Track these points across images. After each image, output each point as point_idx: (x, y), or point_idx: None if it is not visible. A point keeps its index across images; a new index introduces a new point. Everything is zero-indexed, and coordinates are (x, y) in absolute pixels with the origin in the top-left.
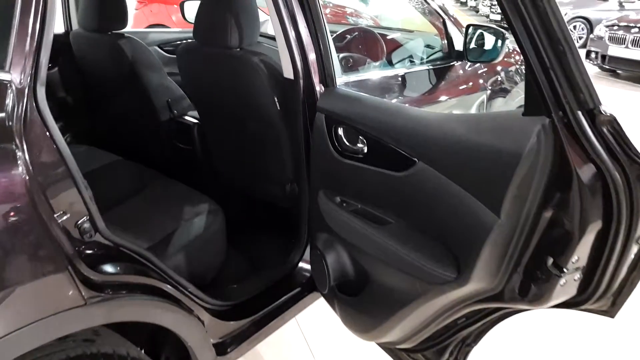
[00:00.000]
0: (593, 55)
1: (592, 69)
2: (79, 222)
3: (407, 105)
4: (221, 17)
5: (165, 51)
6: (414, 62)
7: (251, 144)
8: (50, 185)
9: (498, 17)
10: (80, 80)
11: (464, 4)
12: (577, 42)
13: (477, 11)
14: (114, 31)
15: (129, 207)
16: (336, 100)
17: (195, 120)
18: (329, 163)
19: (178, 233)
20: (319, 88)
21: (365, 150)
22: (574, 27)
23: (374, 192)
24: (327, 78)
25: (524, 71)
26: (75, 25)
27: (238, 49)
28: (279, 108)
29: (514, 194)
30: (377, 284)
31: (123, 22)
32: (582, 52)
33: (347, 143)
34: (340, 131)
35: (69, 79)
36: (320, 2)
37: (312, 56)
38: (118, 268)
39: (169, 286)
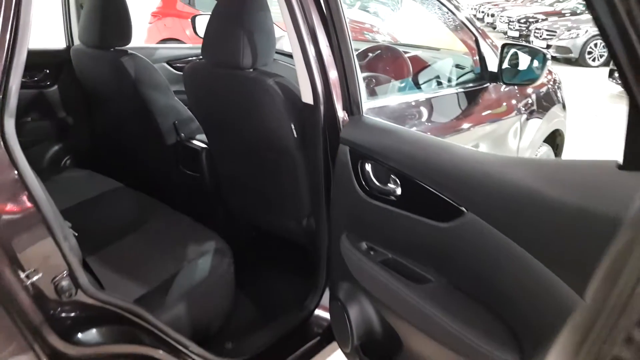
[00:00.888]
0: None
1: None
2: (56, 279)
3: (450, 141)
4: (232, 34)
5: (175, 68)
6: (442, 84)
7: (264, 173)
8: (18, 237)
9: (516, 34)
10: (82, 99)
11: (481, 19)
12: None
13: (494, 28)
14: (116, 47)
15: (127, 245)
16: (363, 130)
17: (204, 145)
18: (353, 203)
19: (180, 277)
20: (342, 115)
21: (399, 192)
22: None
23: (408, 242)
24: (351, 104)
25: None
26: (77, 41)
27: (251, 70)
28: (296, 136)
29: (607, 271)
30: (410, 354)
31: (126, 38)
32: None
33: (376, 182)
34: (368, 167)
35: (69, 98)
36: (346, 16)
37: (334, 78)
38: (101, 335)
39: (164, 352)
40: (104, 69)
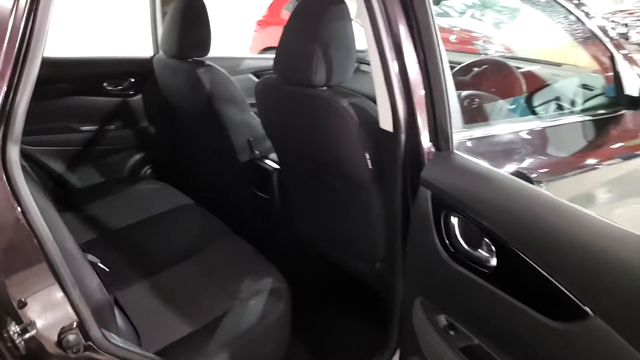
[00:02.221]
0: None
1: None
2: (62, 332)
3: (578, 206)
4: (305, 47)
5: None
6: (563, 108)
7: (335, 204)
8: (14, 283)
9: None
10: (163, 109)
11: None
12: None
13: (627, 39)
14: (195, 58)
15: (179, 273)
16: (451, 172)
17: (276, 166)
18: (433, 263)
19: (228, 318)
20: (427, 147)
21: (493, 263)
22: None
23: (503, 330)
24: (439, 135)
25: None
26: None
27: (324, 88)
28: (371, 167)
29: None
30: None
31: (204, 48)
32: None
33: (464, 244)
34: (454, 221)
35: (152, 108)
36: (437, 26)
37: (420, 102)
38: None
39: None
40: (181, 80)
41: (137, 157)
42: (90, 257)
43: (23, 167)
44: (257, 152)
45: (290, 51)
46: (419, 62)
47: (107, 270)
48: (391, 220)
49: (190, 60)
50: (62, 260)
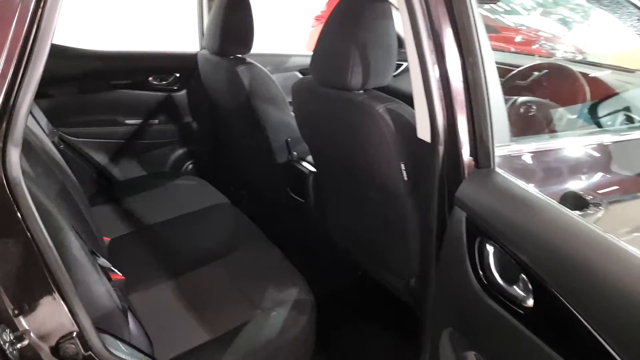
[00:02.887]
0: None
1: None
2: (60, 341)
3: None
4: (341, 47)
5: None
6: (633, 120)
7: (370, 215)
8: (10, 289)
9: None
10: (207, 105)
11: None
12: None
13: None
14: (237, 55)
15: (205, 275)
16: (489, 194)
17: (313, 169)
18: (464, 293)
19: (248, 328)
20: (467, 162)
21: (530, 304)
22: None
23: None
24: (479, 149)
25: None
26: None
27: (360, 92)
28: (406, 179)
29: None
30: None
31: (246, 45)
32: None
33: (498, 278)
34: (490, 250)
35: (196, 103)
36: (482, 27)
37: (462, 110)
38: None
39: None
40: (221, 77)
41: (180, 152)
42: (102, 261)
43: (64, 156)
44: (294, 153)
45: (326, 51)
46: (463, 66)
47: (121, 276)
48: (426, 237)
49: (231, 57)
50: (62, 267)
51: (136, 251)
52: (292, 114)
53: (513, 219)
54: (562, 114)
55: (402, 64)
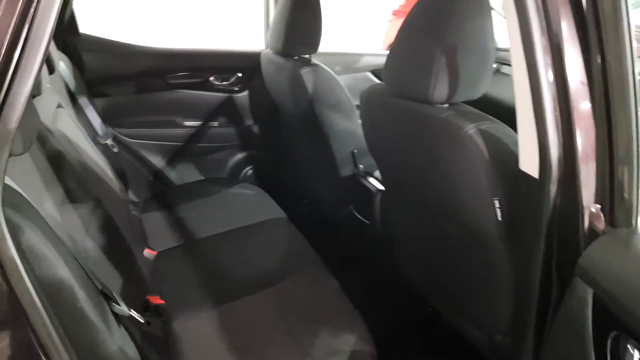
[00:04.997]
0: None
1: None
2: None
3: None
4: (424, 52)
5: (381, 79)
6: None
7: (448, 254)
8: None
9: None
10: (269, 108)
11: None
12: None
13: None
14: (301, 55)
15: (250, 308)
16: (635, 269)
17: (381, 187)
18: None
19: None
20: (593, 212)
21: None
22: None
23: None
24: (615, 200)
25: None
26: None
27: (445, 106)
28: (500, 219)
29: None
30: None
31: (312, 45)
32: None
33: None
34: (635, 357)
35: (258, 106)
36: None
37: (587, 139)
38: None
39: None
40: (283, 79)
41: (239, 156)
42: (119, 309)
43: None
44: (361, 166)
45: (404, 56)
46: (590, 78)
47: (142, 321)
48: (523, 292)
49: (295, 57)
50: (52, 331)
51: (182, 269)
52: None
53: None
54: None
55: (494, 67)
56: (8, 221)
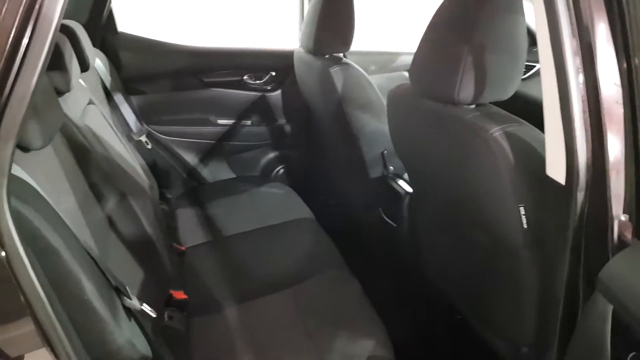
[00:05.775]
0: None
1: None
2: None
3: None
4: (450, 51)
5: None
6: None
7: (473, 261)
8: None
9: None
10: (302, 107)
11: None
12: None
13: None
14: (333, 54)
15: (270, 307)
16: None
17: (409, 189)
18: None
19: None
20: (621, 223)
21: None
22: None
23: None
24: None
25: None
26: None
27: (471, 107)
28: (526, 227)
29: None
30: None
31: (345, 43)
32: None
33: None
34: None
35: (290, 105)
36: None
37: (618, 145)
38: None
39: None
40: (314, 78)
41: (271, 155)
42: (130, 303)
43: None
44: (391, 168)
45: (430, 54)
46: (624, 81)
47: (154, 315)
48: (548, 304)
49: (326, 56)
50: (55, 322)
51: (207, 265)
52: None
53: None
54: None
55: (534, 66)
56: (15, 212)
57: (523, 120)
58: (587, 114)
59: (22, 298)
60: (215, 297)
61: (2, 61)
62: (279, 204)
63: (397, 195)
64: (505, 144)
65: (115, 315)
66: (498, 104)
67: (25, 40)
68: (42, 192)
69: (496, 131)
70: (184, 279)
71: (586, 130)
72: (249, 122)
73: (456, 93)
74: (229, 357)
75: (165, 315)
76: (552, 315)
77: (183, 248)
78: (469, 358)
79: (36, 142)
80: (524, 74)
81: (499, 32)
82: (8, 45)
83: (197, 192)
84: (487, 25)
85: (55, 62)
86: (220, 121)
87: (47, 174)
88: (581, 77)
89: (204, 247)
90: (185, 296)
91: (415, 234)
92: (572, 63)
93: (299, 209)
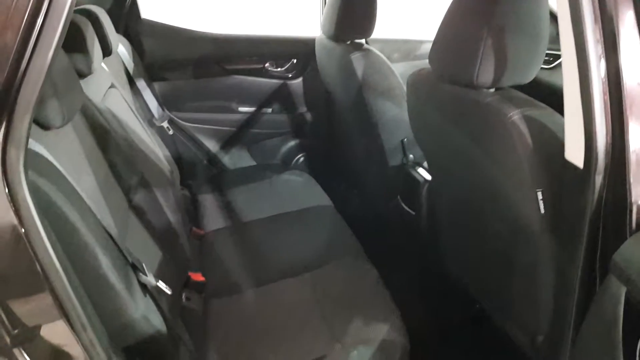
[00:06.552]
0: None
1: None
2: None
3: None
4: (470, 34)
5: None
6: None
7: (490, 250)
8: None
9: None
10: (323, 95)
11: None
12: None
13: None
14: (354, 40)
15: (287, 291)
16: None
17: (429, 177)
18: None
19: None
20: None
21: None
22: None
23: None
24: None
25: None
26: None
27: (491, 91)
28: (543, 212)
29: None
30: None
31: (365, 29)
32: None
33: None
34: None
35: (311, 93)
36: None
37: (637, 126)
38: None
39: None
40: (334, 65)
41: (291, 144)
42: (146, 279)
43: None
44: (411, 156)
45: (449, 37)
46: None
47: (169, 292)
48: (564, 291)
49: (348, 42)
50: (71, 294)
51: (226, 249)
52: None
53: None
54: None
55: (560, 55)
56: (32, 185)
57: (543, 104)
58: (607, 96)
59: (39, 270)
60: (233, 280)
61: (19, 37)
62: (298, 192)
63: (416, 183)
64: (523, 128)
65: (130, 290)
66: (523, 92)
67: (40, 19)
68: (62, 170)
69: (515, 114)
70: (203, 262)
71: (606, 114)
72: (269, 110)
73: (475, 76)
74: (244, 337)
75: (183, 296)
76: (568, 303)
77: (203, 232)
78: (485, 346)
79: (55, 119)
80: (551, 63)
81: (520, 14)
82: (22, 30)
83: (218, 179)
84: (507, 7)
85: (77, 44)
86: (242, 109)
87: (68, 153)
88: (602, 62)
89: (223, 232)
90: (203, 278)
91: (433, 222)
92: (594, 48)
93: (318, 197)
